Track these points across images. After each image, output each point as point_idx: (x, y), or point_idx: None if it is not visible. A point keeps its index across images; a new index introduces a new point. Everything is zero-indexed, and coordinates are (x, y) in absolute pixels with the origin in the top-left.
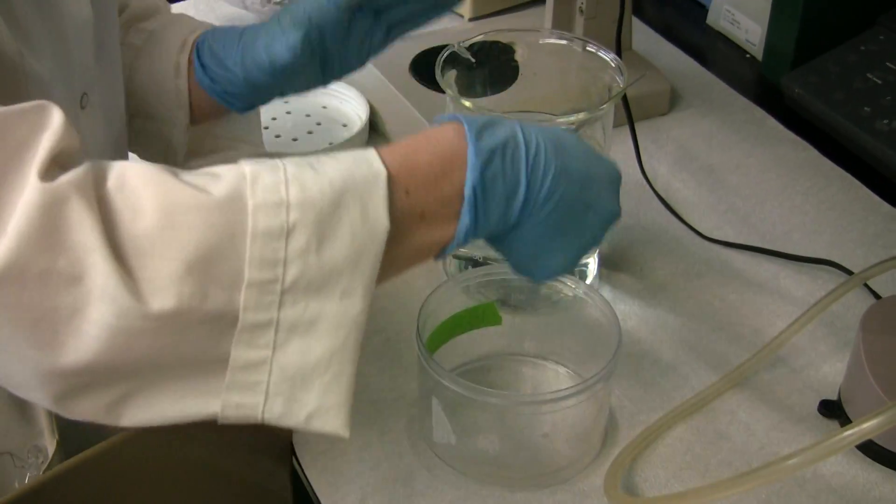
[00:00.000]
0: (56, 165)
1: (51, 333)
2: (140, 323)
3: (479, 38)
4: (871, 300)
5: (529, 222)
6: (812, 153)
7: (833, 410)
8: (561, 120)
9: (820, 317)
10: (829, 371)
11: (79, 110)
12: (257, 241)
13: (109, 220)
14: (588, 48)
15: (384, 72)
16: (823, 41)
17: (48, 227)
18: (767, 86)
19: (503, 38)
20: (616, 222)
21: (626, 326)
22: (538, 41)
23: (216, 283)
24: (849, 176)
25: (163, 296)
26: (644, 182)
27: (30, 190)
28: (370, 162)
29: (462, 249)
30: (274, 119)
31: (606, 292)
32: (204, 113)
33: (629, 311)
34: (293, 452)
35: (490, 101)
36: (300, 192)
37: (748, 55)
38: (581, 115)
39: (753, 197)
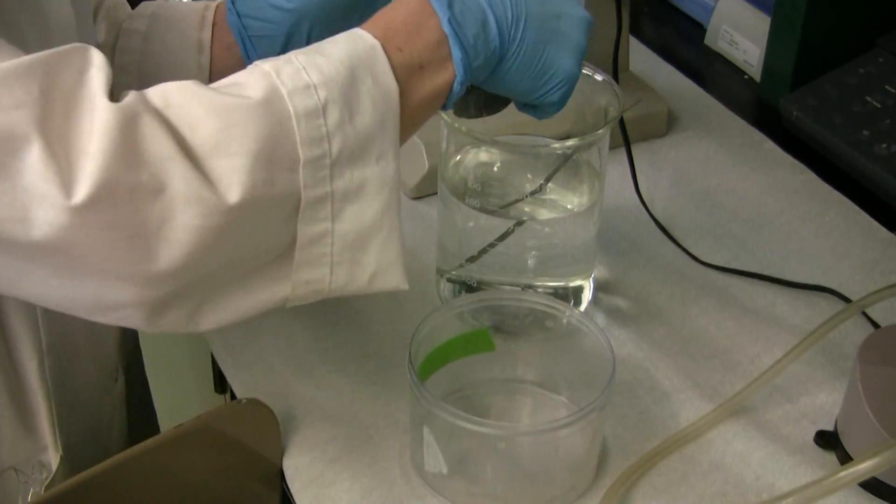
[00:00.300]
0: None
1: (144, 245)
2: (223, 218)
3: None
4: (870, 328)
5: (514, 44)
6: (810, 177)
7: (829, 441)
8: (556, 145)
9: (817, 345)
10: (826, 400)
11: None
12: (301, 122)
13: (173, 135)
14: (584, 71)
15: None
16: (822, 63)
17: (128, 144)
18: (765, 107)
19: None
20: (590, 26)
21: (621, 353)
22: None
23: (279, 167)
24: (847, 201)
25: (238, 188)
26: (640, 205)
27: (103, 112)
28: (362, 37)
29: (454, 272)
30: None
31: (601, 318)
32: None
33: (624, 337)
34: (283, 479)
35: (484, 123)
36: (319, 74)
37: (746, 76)
38: (576, 141)
39: (750, 221)
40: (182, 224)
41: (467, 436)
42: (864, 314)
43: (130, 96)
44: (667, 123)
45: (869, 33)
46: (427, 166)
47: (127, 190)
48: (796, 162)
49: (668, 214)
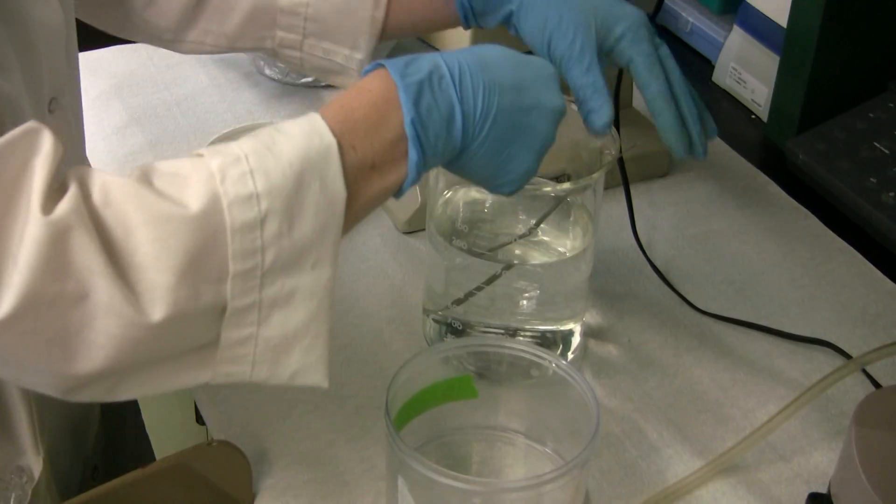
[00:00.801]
0: (51, 190)
1: (62, 349)
2: (143, 332)
3: None
4: (869, 385)
5: (476, 141)
6: (813, 222)
7: None
8: (548, 188)
9: (814, 401)
10: (821, 460)
11: (46, 115)
12: (237, 235)
13: (106, 237)
14: None
15: None
16: (831, 105)
17: (56, 258)
18: (771, 149)
19: None
20: (562, 116)
21: (609, 403)
22: None
23: (206, 281)
24: (851, 249)
25: (161, 304)
26: (637, 248)
27: (35, 225)
28: (321, 134)
29: (440, 312)
30: None
31: (591, 365)
32: (394, 34)
33: (614, 386)
34: None
35: None
36: (266, 180)
37: (753, 116)
38: (569, 185)
39: (751, 267)
40: (102, 331)
41: (443, 489)
42: (864, 371)
43: (71, 197)
44: (668, 163)
45: (879, 76)
46: (419, 201)
47: (49, 300)
48: (800, 207)
49: (666, 258)
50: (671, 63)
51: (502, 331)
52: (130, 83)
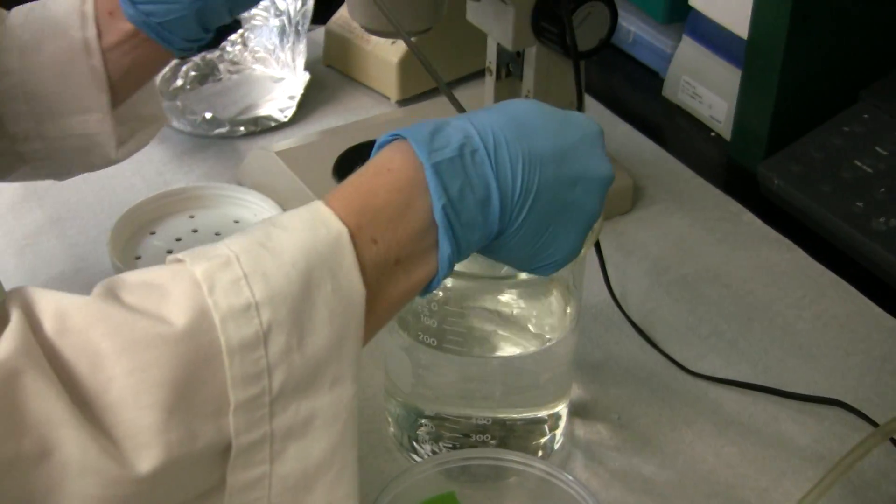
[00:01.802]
0: None
1: None
2: (129, 489)
3: None
4: (890, 446)
5: (515, 223)
6: (798, 254)
7: None
8: (523, 276)
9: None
10: None
11: None
12: (235, 357)
13: (66, 374)
14: None
15: (303, 177)
16: (801, 120)
17: (6, 411)
18: (737, 171)
19: None
20: (611, 184)
21: (608, 496)
22: None
23: (201, 416)
24: (844, 283)
25: (149, 453)
26: (613, 304)
27: None
28: (326, 222)
29: (399, 398)
30: (178, 240)
31: (581, 450)
32: (126, 86)
33: (610, 476)
34: None
35: None
36: (265, 284)
37: (713, 133)
38: None
39: (739, 315)
40: (76, 494)
41: None
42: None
43: (13, 332)
44: (632, 198)
45: (849, 86)
46: None
47: (5, 464)
48: (781, 237)
49: (645, 311)
50: None
51: (482, 420)
52: None
